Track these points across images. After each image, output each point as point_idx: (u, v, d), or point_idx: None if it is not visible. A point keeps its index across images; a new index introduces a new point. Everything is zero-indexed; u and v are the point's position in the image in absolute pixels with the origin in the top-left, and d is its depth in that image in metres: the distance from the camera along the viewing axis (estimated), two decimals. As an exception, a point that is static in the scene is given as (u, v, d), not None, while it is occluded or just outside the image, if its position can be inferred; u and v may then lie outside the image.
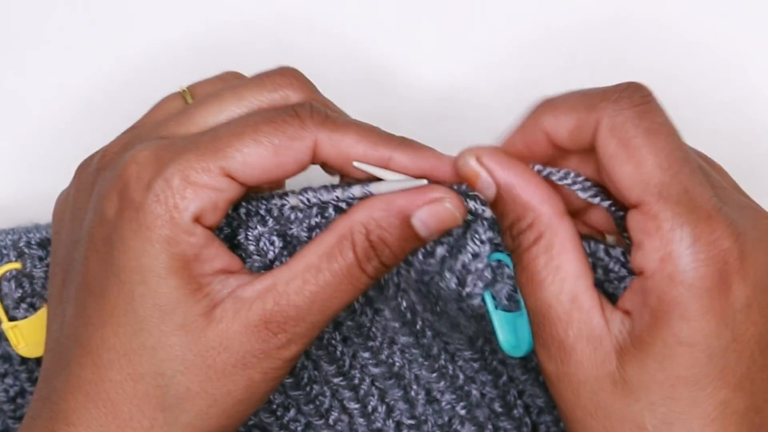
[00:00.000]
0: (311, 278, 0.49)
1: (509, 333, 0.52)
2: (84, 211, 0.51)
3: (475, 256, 0.51)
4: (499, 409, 0.59)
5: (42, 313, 0.59)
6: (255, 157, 0.48)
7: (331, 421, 0.59)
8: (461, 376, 0.58)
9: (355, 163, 0.50)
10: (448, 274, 0.52)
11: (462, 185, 0.50)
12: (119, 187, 0.49)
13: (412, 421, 0.59)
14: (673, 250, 0.46)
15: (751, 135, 0.67)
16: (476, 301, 0.52)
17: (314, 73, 0.53)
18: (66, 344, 0.50)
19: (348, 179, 0.52)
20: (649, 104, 0.47)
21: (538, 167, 0.50)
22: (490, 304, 0.52)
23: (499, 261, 0.52)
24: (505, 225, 0.50)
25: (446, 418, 0.59)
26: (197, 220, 0.48)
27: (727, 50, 0.67)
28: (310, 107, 0.49)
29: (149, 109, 0.54)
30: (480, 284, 0.52)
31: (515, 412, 0.59)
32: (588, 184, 0.50)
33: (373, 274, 0.50)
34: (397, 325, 0.56)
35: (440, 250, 0.52)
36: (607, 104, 0.47)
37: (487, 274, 0.52)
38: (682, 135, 0.48)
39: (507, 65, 0.67)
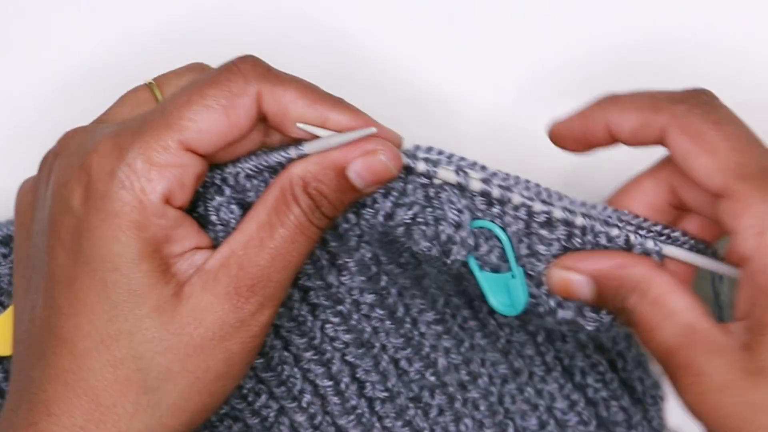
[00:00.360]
0: (266, 235, 0.50)
1: (499, 293, 0.54)
2: (43, 200, 0.51)
3: (458, 226, 0.52)
4: (466, 378, 0.60)
5: (11, 311, 0.58)
6: (208, 123, 0.49)
7: (304, 404, 0.59)
8: (426, 344, 0.59)
9: (299, 124, 0.50)
10: (425, 243, 0.53)
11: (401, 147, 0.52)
12: (83, 179, 0.49)
13: (385, 394, 0.59)
14: (767, 220, 0.48)
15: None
16: (458, 266, 0.54)
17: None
18: (38, 335, 0.50)
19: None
20: (714, 102, 0.50)
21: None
22: (475, 268, 0.54)
23: (480, 227, 0.53)
24: (613, 306, 0.52)
25: (416, 390, 0.59)
26: (167, 201, 0.49)
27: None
28: (252, 60, 0.50)
29: (115, 102, 0.54)
30: (464, 252, 0.53)
31: (480, 381, 0.60)
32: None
33: (320, 225, 0.51)
34: (363, 278, 0.57)
35: (401, 213, 0.53)
36: (674, 106, 0.50)
37: (470, 241, 0.53)
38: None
39: (513, 70, 0.69)
